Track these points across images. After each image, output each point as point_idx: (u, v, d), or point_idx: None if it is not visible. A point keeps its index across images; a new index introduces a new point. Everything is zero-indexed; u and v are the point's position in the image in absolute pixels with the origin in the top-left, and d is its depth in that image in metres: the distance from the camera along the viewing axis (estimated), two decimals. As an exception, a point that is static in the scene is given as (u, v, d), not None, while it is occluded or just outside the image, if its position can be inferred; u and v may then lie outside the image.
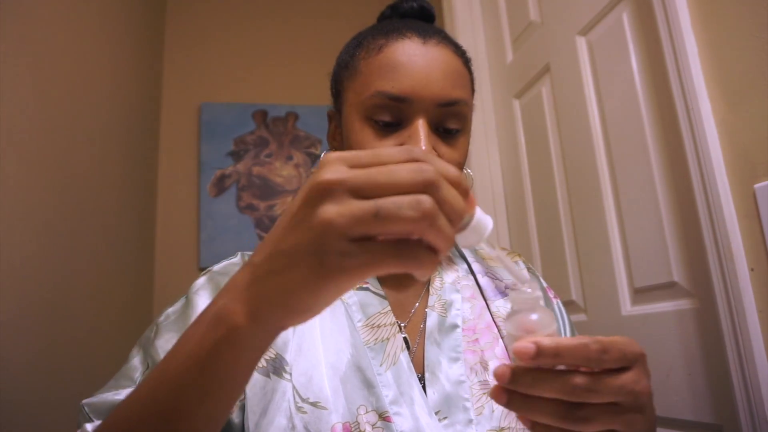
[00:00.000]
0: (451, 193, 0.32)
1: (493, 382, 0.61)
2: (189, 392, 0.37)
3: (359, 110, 0.62)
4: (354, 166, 0.32)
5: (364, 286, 0.65)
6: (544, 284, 0.75)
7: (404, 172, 0.31)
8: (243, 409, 0.54)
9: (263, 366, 0.56)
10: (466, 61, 0.66)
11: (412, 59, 0.61)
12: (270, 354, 0.57)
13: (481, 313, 0.67)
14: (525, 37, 1.47)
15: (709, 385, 0.88)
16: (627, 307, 1.08)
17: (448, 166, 0.33)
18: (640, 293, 1.05)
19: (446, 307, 0.65)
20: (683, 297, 0.95)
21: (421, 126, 0.59)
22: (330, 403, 0.55)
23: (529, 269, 0.75)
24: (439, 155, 0.61)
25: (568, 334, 0.70)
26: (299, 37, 2.45)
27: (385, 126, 0.61)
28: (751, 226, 0.78)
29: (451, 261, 0.72)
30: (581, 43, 1.22)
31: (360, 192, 0.31)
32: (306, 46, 2.42)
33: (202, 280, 0.63)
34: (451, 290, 0.67)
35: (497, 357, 0.64)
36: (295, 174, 2.30)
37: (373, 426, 0.54)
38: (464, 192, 0.34)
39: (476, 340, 0.64)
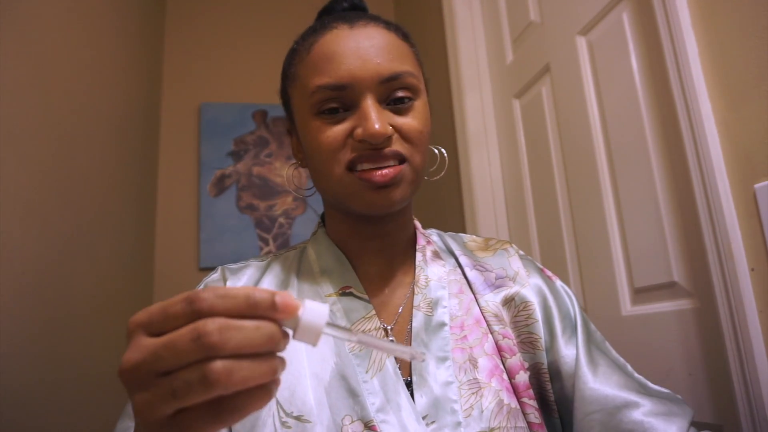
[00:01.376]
0: (242, 336, 0.31)
1: (483, 380, 0.60)
2: None
3: (307, 111, 0.61)
4: (151, 331, 0.34)
5: (348, 290, 0.64)
6: (539, 266, 0.73)
7: (185, 344, 0.31)
8: (230, 428, 0.54)
9: None
10: (403, 35, 0.65)
11: (342, 46, 0.60)
12: None
13: (469, 308, 0.66)
14: (525, 37, 1.47)
15: (709, 385, 0.88)
16: (627, 307, 1.08)
17: (234, 298, 0.32)
18: (640, 293, 1.05)
19: (432, 305, 0.64)
20: (683, 297, 0.95)
21: (369, 106, 0.58)
22: (314, 415, 0.55)
23: (521, 257, 0.73)
24: (397, 128, 0.60)
25: (577, 312, 0.67)
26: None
27: (336, 116, 0.60)
28: (751, 226, 0.78)
29: (437, 256, 0.70)
30: (581, 43, 1.22)
31: (158, 369, 0.32)
32: (306, 46, 2.41)
33: None
34: (437, 287, 0.66)
35: (486, 353, 0.63)
36: (295, 174, 2.29)
37: None
38: (267, 309, 0.33)
39: (464, 337, 0.63)
